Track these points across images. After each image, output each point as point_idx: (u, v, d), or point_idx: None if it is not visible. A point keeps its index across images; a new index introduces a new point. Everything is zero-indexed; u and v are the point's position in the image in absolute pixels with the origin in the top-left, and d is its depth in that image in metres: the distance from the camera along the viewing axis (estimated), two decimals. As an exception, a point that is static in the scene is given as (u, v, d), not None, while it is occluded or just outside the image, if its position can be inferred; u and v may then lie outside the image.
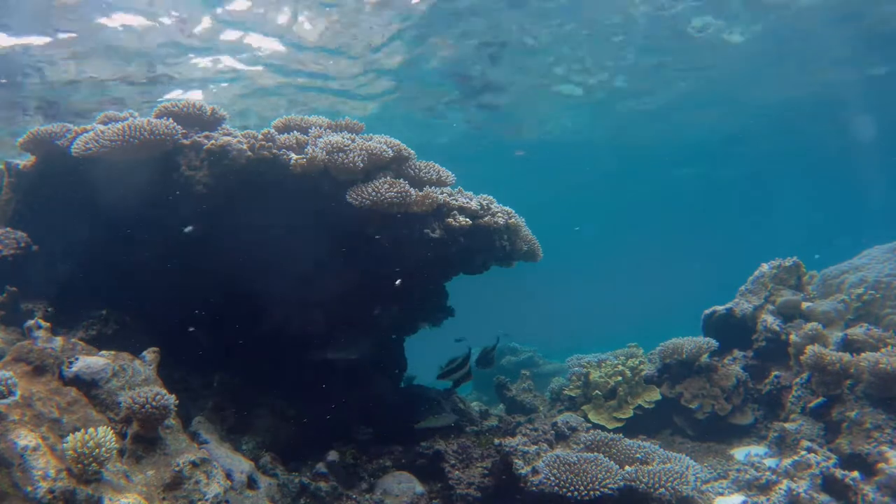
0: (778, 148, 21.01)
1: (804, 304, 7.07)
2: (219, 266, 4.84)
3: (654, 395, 6.93)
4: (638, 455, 4.90)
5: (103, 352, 3.80)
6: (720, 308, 7.52)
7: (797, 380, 6.15)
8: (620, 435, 5.42)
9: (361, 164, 4.77)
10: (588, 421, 6.67)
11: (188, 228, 4.53)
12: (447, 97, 13.46)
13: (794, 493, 4.76)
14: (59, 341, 3.68)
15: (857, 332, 6.06)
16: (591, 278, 56.74)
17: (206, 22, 8.81)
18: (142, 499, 2.91)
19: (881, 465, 4.71)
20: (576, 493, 4.24)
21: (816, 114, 16.58)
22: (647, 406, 6.85)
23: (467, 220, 5.10)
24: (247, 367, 5.13)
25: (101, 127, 4.68)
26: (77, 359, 3.58)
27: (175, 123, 4.71)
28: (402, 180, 4.91)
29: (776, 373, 6.62)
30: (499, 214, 5.37)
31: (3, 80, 9.30)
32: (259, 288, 4.98)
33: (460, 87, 12.90)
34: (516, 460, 4.62)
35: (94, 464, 2.79)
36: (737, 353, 7.13)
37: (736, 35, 11.06)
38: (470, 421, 6.18)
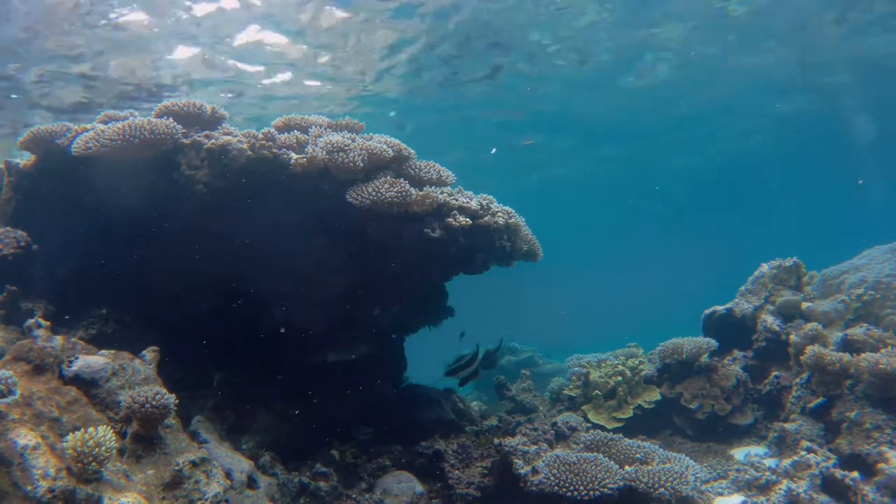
0: (779, 147, 21.03)
1: (804, 305, 7.07)
2: (219, 265, 4.84)
3: (654, 395, 6.93)
4: (638, 455, 4.90)
5: (103, 351, 3.80)
6: (720, 308, 7.52)
7: (797, 380, 6.15)
8: (620, 435, 5.42)
9: (362, 164, 4.77)
10: (588, 421, 6.68)
11: None
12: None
13: (794, 493, 4.76)
14: (58, 340, 3.68)
15: (857, 332, 6.06)
16: (591, 278, 56.75)
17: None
18: (142, 498, 2.91)
19: (881, 466, 4.71)
20: (575, 492, 4.25)
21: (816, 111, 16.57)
22: (646, 406, 6.85)
23: (467, 219, 5.09)
24: (247, 366, 5.13)
25: (102, 126, 4.68)
26: (77, 358, 3.58)
27: (175, 123, 4.71)
28: (402, 180, 4.91)
29: (776, 373, 6.62)
30: (499, 214, 5.37)
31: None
32: (259, 287, 4.99)
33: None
34: (516, 460, 4.61)
35: (93, 463, 2.79)
36: (737, 353, 7.13)
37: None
38: (470, 421, 6.19)
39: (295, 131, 5.14)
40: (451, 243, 5.11)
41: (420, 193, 4.86)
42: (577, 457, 4.56)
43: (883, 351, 5.36)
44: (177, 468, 3.19)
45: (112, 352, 3.82)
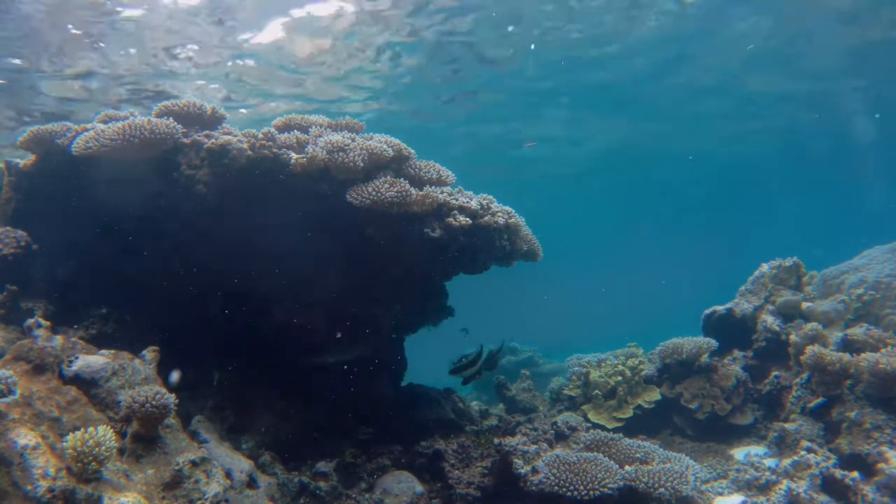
0: (778, 147, 21.02)
1: (804, 305, 7.07)
2: (219, 265, 4.84)
3: (654, 395, 6.93)
4: (638, 455, 4.90)
5: (103, 351, 3.80)
6: (720, 308, 7.52)
7: (797, 380, 6.15)
8: (620, 435, 5.42)
9: (362, 164, 4.77)
10: (588, 421, 6.68)
11: None
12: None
13: (794, 493, 4.76)
14: (58, 340, 3.68)
15: (857, 332, 6.06)
16: (591, 278, 56.77)
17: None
18: (142, 497, 2.91)
19: (881, 466, 4.71)
20: (575, 492, 4.24)
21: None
22: (646, 406, 6.85)
23: (467, 219, 5.09)
24: (247, 366, 5.13)
25: (102, 126, 4.68)
26: (77, 358, 3.58)
27: (175, 122, 4.71)
28: (402, 180, 4.91)
29: (776, 373, 6.62)
30: (499, 214, 5.37)
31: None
32: (259, 287, 4.99)
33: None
34: (516, 460, 4.61)
35: (93, 463, 2.79)
36: (737, 353, 7.13)
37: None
38: (470, 420, 6.19)
39: (295, 131, 5.14)
40: (451, 243, 5.12)
41: (420, 193, 4.86)
42: (577, 456, 4.56)
43: (883, 351, 5.36)
44: (177, 468, 3.19)
45: (112, 352, 3.82)
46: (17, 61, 8.86)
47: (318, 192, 4.91)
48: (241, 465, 4.00)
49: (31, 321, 3.73)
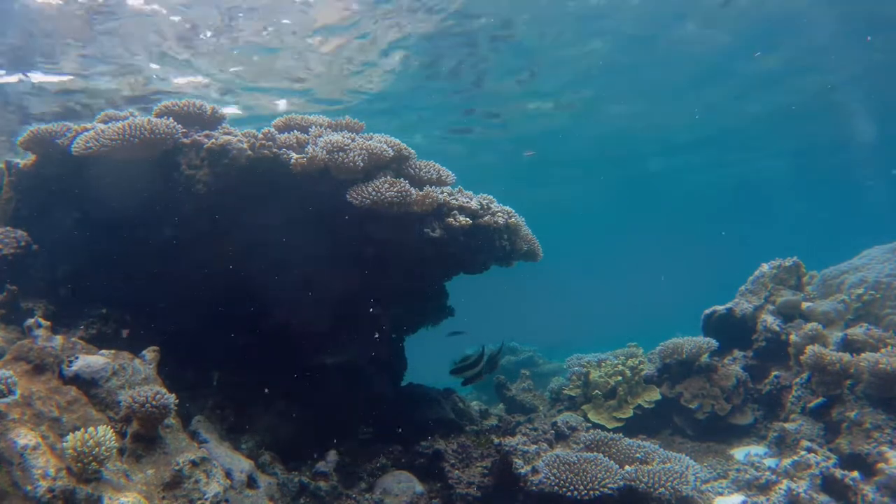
0: (778, 146, 21.01)
1: (804, 305, 7.07)
2: (219, 265, 4.84)
3: (654, 394, 6.93)
4: (638, 455, 4.91)
5: (103, 351, 3.80)
6: (720, 308, 7.52)
7: (797, 380, 6.15)
8: (620, 435, 5.42)
9: (362, 164, 4.77)
10: (588, 421, 6.68)
11: None
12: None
13: (794, 493, 4.76)
14: (58, 340, 3.68)
15: (857, 332, 6.06)
16: (591, 278, 56.77)
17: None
18: (142, 497, 2.91)
19: (881, 466, 4.71)
20: (575, 492, 4.25)
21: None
22: (646, 406, 6.86)
23: (467, 219, 5.09)
24: (247, 365, 5.12)
25: (102, 126, 4.67)
26: (77, 357, 3.58)
27: (175, 122, 4.71)
28: (402, 180, 4.91)
29: (776, 373, 6.62)
30: (499, 214, 5.37)
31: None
32: (259, 287, 4.98)
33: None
34: (516, 460, 4.62)
35: (93, 463, 2.79)
36: (737, 353, 7.13)
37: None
38: (470, 420, 6.19)
39: (295, 131, 5.14)
40: (451, 243, 5.11)
41: (420, 193, 4.86)
42: (577, 456, 4.56)
43: (883, 351, 5.36)
44: (177, 468, 3.19)
45: (112, 351, 3.82)
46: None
47: (318, 192, 4.90)
48: (241, 464, 4.00)
49: (31, 321, 3.73)
